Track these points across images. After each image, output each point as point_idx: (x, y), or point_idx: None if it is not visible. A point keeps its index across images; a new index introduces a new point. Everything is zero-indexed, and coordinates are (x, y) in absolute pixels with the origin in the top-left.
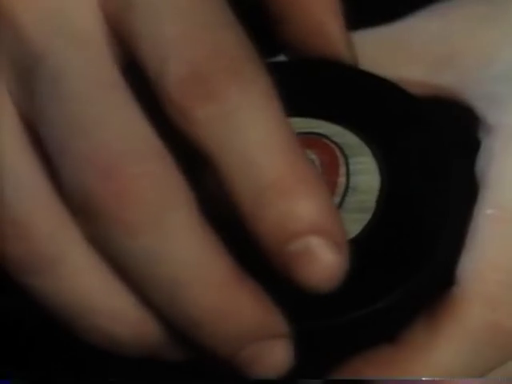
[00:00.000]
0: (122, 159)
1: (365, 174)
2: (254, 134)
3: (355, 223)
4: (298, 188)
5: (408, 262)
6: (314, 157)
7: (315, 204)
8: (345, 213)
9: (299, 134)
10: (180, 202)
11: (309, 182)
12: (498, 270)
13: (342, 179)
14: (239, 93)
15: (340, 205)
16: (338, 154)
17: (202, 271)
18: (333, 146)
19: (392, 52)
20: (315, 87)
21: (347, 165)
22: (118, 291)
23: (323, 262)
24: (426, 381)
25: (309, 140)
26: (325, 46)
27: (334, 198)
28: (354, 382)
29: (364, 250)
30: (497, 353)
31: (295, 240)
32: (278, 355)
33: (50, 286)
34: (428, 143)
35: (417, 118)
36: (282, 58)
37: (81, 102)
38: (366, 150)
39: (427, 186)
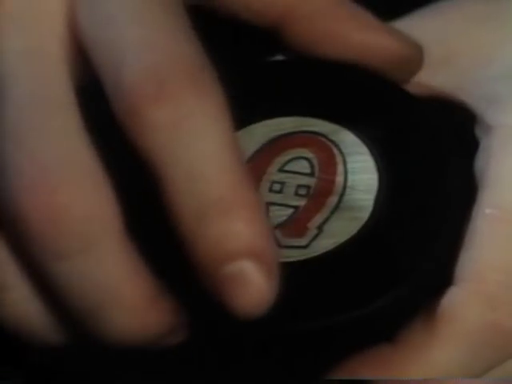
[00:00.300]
0: (51, 174)
1: (363, 172)
2: (203, 145)
3: (353, 222)
4: (238, 209)
5: (406, 261)
6: (311, 155)
7: (252, 227)
8: (342, 211)
9: (296, 132)
10: (106, 224)
11: (250, 204)
12: (497, 270)
13: (339, 178)
14: (195, 101)
15: (338, 203)
16: (336, 152)
17: (122, 295)
18: (330, 144)
19: None
20: (312, 86)
21: (345, 163)
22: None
23: (254, 286)
24: (424, 381)
25: (306, 138)
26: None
27: (332, 197)
28: (351, 382)
29: (361, 250)
30: (496, 353)
31: (230, 262)
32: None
33: None
34: (426, 142)
35: (414, 116)
36: (279, 57)
37: (19, 112)
38: (364, 148)
39: (425, 185)
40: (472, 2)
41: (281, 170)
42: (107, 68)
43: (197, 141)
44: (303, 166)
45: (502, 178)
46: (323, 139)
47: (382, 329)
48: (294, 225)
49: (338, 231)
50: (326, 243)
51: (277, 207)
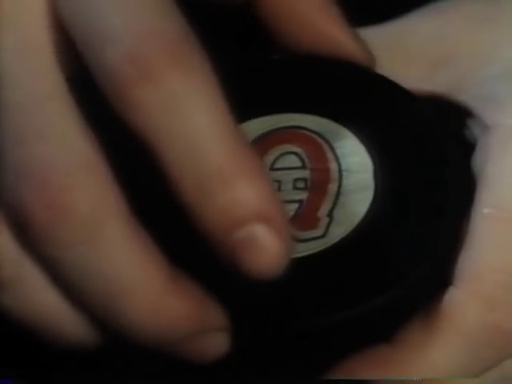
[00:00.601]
0: (55, 171)
1: (353, 155)
2: (196, 119)
3: (360, 204)
4: (241, 176)
5: (405, 259)
6: (298, 150)
7: (257, 192)
8: (346, 195)
9: (277, 129)
10: (112, 214)
11: (251, 169)
12: (495, 270)
13: (333, 164)
14: (180, 77)
15: (339, 189)
16: (321, 141)
17: (134, 282)
18: (313, 135)
19: (389, 51)
20: (290, 82)
21: (333, 149)
22: (65, 306)
23: (268, 249)
24: (422, 381)
25: (289, 134)
26: (321, 43)
27: (331, 184)
28: (349, 382)
29: (373, 233)
30: (494, 353)
31: (240, 228)
32: (215, 346)
33: (10, 304)
34: (419, 135)
35: (405, 107)
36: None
37: (18, 113)
38: (347, 132)
39: (421, 181)
40: (470, 2)
41: (272, 169)
42: (91, 53)
43: (188, 115)
44: (293, 161)
45: (500, 178)
46: (305, 132)
47: (381, 327)
48: (304, 217)
49: (349, 215)
50: (340, 229)
51: None
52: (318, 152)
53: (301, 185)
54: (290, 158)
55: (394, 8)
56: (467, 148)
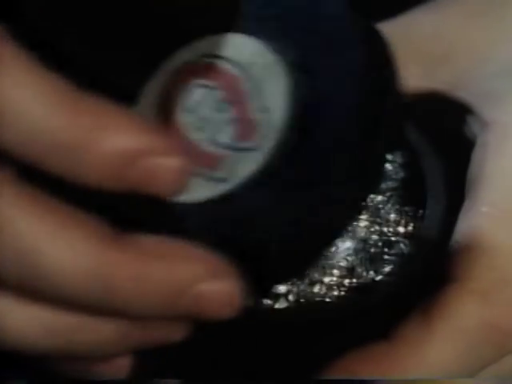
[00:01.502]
0: None
1: (241, 48)
2: (23, 107)
3: (280, 79)
4: (96, 128)
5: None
6: (200, 81)
7: (125, 130)
8: (262, 79)
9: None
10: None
11: (106, 117)
12: (493, 268)
13: (233, 70)
14: None
15: (251, 83)
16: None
17: (60, 253)
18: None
19: None
20: None
21: (222, 58)
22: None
23: (166, 166)
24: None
25: (193, 68)
26: None
27: (244, 84)
28: (346, 381)
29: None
30: (491, 351)
31: (131, 166)
32: (220, 293)
33: None
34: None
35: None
36: None
37: None
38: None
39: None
40: (469, 0)
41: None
42: None
43: (16, 117)
44: (201, 93)
45: (498, 176)
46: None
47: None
48: (242, 128)
49: (274, 94)
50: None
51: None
52: (213, 70)
53: (223, 106)
54: (198, 92)
55: (394, 6)
56: (464, 142)
